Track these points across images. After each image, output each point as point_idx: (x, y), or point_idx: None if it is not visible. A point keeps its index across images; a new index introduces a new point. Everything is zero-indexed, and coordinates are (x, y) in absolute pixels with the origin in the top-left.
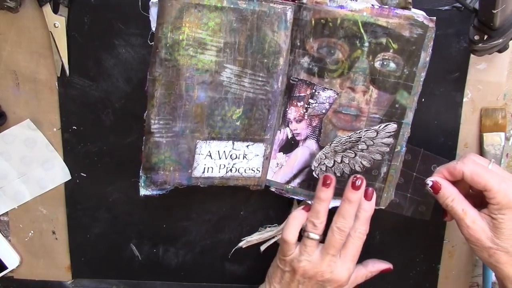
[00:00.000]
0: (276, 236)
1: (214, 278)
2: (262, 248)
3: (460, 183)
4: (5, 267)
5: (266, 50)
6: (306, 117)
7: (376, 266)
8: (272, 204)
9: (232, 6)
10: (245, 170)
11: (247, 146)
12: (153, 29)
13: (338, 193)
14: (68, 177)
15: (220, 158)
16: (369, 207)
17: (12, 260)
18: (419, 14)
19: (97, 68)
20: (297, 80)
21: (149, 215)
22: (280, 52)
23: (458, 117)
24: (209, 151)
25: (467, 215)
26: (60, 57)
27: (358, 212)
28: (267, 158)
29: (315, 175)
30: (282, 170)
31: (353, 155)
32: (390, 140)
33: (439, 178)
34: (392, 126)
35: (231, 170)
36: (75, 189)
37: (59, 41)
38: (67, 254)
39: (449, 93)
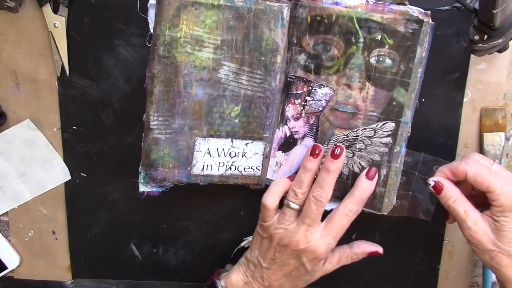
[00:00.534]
0: None
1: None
2: None
3: (462, 184)
4: (5, 267)
5: (263, 47)
6: (303, 115)
7: (362, 247)
8: None
9: (228, 4)
10: (244, 168)
11: (246, 144)
12: (152, 30)
13: (338, 196)
14: (68, 177)
15: (219, 156)
16: (367, 187)
17: (12, 260)
18: (414, 9)
19: (97, 68)
20: (294, 77)
21: (149, 215)
22: (277, 50)
23: (458, 117)
24: (208, 149)
25: (469, 216)
26: (60, 57)
27: (354, 189)
28: (266, 157)
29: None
30: (282, 169)
31: (351, 155)
32: (389, 139)
33: (441, 178)
34: (390, 125)
35: (230, 168)
36: (75, 189)
37: (59, 41)
38: (67, 254)
39: (449, 93)
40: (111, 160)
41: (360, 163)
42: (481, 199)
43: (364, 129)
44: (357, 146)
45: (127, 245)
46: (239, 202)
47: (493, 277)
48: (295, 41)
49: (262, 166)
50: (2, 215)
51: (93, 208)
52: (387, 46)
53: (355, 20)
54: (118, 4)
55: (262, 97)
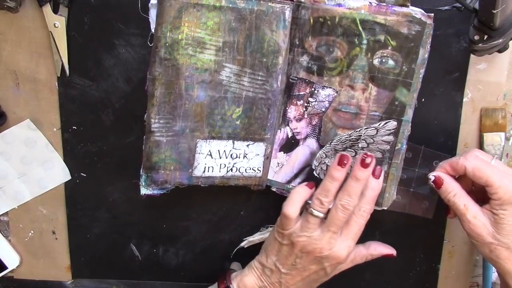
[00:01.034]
0: None
1: (214, 278)
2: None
3: (462, 179)
4: (5, 267)
5: (265, 49)
6: (306, 116)
7: (379, 249)
8: (272, 204)
9: (230, 5)
10: (245, 169)
11: (248, 145)
12: (153, 30)
13: None
14: (68, 177)
15: (220, 158)
16: (376, 186)
17: (12, 260)
18: (416, 11)
19: (97, 68)
20: (296, 78)
21: (149, 215)
22: (279, 51)
23: (458, 117)
24: (209, 151)
25: (468, 210)
26: (60, 57)
27: (365, 190)
28: (267, 158)
29: (315, 175)
30: (283, 170)
31: (353, 153)
32: (390, 137)
33: (441, 173)
34: (392, 124)
35: (231, 169)
36: (75, 189)
37: (59, 41)
38: (67, 254)
39: (449, 93)
40: (111, 160)
41: None
42: (481, 194)
43: (366, 128)
44: (360, 145)
45: (127, 245)
46: (239, 202)
47: (493, 277)
48: (297, 43)
49: (263, 167)
50: (2, 215)
51: (93, 208)
52: (390, 48)
53: (358, 22)
54: (118, 4)
55: (264, 98)
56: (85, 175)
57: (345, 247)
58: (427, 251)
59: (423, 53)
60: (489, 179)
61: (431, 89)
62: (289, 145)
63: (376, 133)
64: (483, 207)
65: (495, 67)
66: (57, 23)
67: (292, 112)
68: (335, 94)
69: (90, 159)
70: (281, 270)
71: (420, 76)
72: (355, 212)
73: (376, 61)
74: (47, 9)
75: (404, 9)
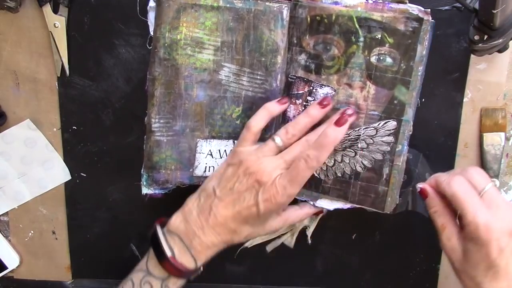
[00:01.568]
0: (281, 236)
1: (214, 278)
2: (269, 249)
3: None
4: (5, 267)
5: (264, 48)
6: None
7: (308, 210)
8: None
9: (228, 5)
10: None
11: None
12: (152, 33)
13: (340, 195)
14: (68, 177)
15: (221, 157)
16: (332, 134)
17: (12, 260)
18: (413, 7)
19: (97, 68)
20: (295, 77)
21: (149, 215)
22: (277, 51)
23: (458, 117)
24: (210, 150)
25: (445, 231)
26: (60, 57)
27: (319, 136)
28: None
29: (315, 175)
30: None
31: (353, 154)
32: (391, 138)
33: (428, 186)
34: (392, 124)
35: None
36: (75, 189)
37: (59, 41)
38: (67, 254)
39: (449, 93)
40: (111, 160)
41: (362, 162)
42: None
43: (366, 128)
44: (359, 145)
45: (127, 245)
46: None
47: None
48: (295, 41)
49: None
50: (2, 215)
51: (93, 208)
52: (387, 45)
53: (355, 19)
54: (118, 4)
55: (263, 97)
56: (85, 175)
57: (282, 185)
58: (427, 251)
59: (421, 50)
60: (463, 211)
61: (431, 89)
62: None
63: (376, 133)
64: (463, 230)
65: (495, 67)
66: (57, 23)
67: (291, 111)
68: (333, 92)
69: (90, 159)
70: (217, 193)
71: (419, 74)
72: (298, 155)
73: (373, 59)
74: (47, 9)
75: (401, 6)
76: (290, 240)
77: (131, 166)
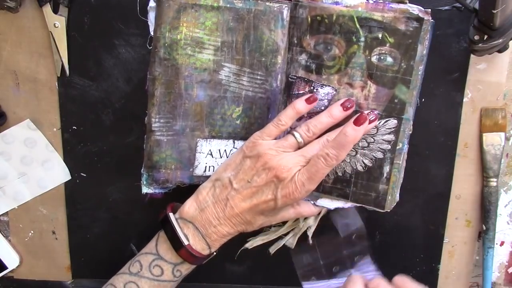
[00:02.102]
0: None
1: (214, 278)
2: (272, 250)
3: None
4: (5, 267)
5: (264, 48)
6: (305, 115)
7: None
8: None
9: (228, 5)
10: None
11: None
12: (152, 33)
13: (341, 194)
14: (68, 177)
15: (221, 157)
16: (351, 133)
17: (12, 260)
18: (414, 7)
19: (97, 68)
20: (295, 77)
21: (149, 215)
22: (278, 51)
23: (458, 117)
24: (210, 150)
25: None
26: (60, 57)
27: (337, 134)
28: None
29: None
30: None
31: (354, 153)
32: (391, 136)
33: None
34: (392, 122)
35: None
36: (75, 189)
37: (59, 41)
38: (67, 254)
39: (449, 93)
40: (111, 160)
41: (363, 161)
42: None
43: None
44: (360, 144)
45: (127, 245)
46: None
47: (493, 277)
48: (295, 42)
49: None
50: (2, 215)
51: (93, 208)
52: (388, 45)
53: (355, 19)
54: (118, 4)
55: (263, 97)
56: (85, 175)
57: (302, 181)
58: (427, 251)
59: (422, 49)
60: None
61: (431, 89)
62: None
63: (376, 132)
64: None
65: (495, 67)
66: (57, 23)
67: None
68: (334, 92)
69: (90, 159)
70: (234, 186)
71: (419, 73)
72: (317, 152)
73: (374, 58)
74: (47, 9)
75: (401, 6)
76: (292, 241)
77: (131, 166)
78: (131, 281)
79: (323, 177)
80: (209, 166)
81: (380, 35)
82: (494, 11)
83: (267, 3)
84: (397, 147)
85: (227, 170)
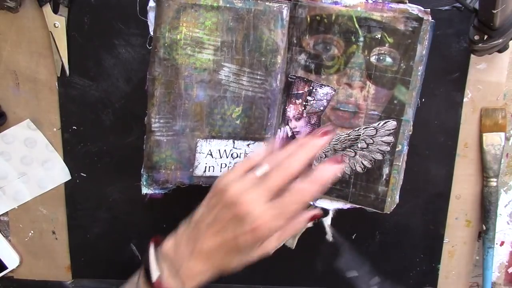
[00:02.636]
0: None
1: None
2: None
3: None
4: (5, 267)
5: (264, 48)
6: (305, 115)
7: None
8: None
9: (228, 5)
10: None
11: (248, 145)
12: (152, 33)
13: (340, 195)
14: (68, 177)
15: (221, 157)
16: (328, 170)
17: (12, 260)
18: (413, 7)
19: (97, 68)
20: (295, 77)
21: (149, 215)
22: (277, 50)
23: (458, 117)
24: (210, 150)
25: None
26: (60, 57)
27: (315, 170)
28: None
29: None
30: None
31: (353, 154)
32: (390, 138)
33: None
34: (392, 124)
35: None
36: (75, 189)
37: (59, 41)
38: (67, 254)
39: (449, 93)
40: (111, 160)
41: (362, 163)
42: None
43: (365, 128)
44: (359, 145)
45: (127, 245)
46: None
47: (493, 277)
48: (295, 41)
49: None
50: (2, 215)
51: (93, 208)
52: (387, 45)
53: (354, 19)
54: (118, 4)
55: (263, 97)
56: (85, 175)
57: (268, 217)
58: (427, 251)
59: (421, 49)
60: None
61: (431, 89)
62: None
63: (376, 133)
64: None
65: (495, 67)
66: (57, 23)
67: (291, 111)
68: (333, 92)
69: (90, 159)
70: (202, 223)
71: (419, 73)
72: (291, 186)
73: (373, 59)
74: (47, 9)
75: (401, 6)
76: (291, 242)
77: (131, 166)
78: None
79: (293, 214)
80: (209, 166)
81: (379, 35)
82: (494, 11)
83: (266, 3)
84: (397, 149)
85: (201, 206)
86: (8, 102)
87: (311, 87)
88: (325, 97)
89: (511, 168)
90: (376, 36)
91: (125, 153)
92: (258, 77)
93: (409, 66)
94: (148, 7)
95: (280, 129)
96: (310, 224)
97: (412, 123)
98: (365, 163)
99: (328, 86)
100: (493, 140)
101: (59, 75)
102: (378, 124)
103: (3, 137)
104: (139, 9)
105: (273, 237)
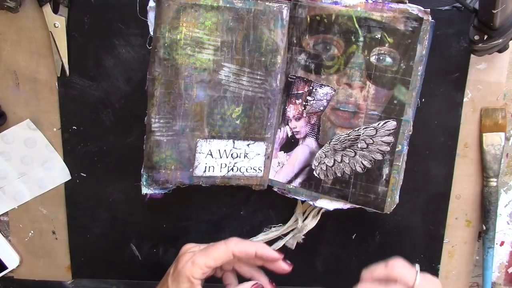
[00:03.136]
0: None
1: (214, 278)
2: None
3: None
4: (5, 267)
5: (264, 48)
6: (304, 115)
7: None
8: (272, 204)
9: (228, 5)
10: (246, 169)
11: (248, 145)
12: (152, 33)
13: (340, 195)
14: (68, 177)
15: (221, 157)
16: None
17: (12, 260)
18: (413, 7)
19: (97, 68)
20: (295, 77)
21: (149, 215)
22: (277, 50)
23: (458, 117)
24: (210, 150)
25: None
26: (60, 57)
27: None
28: (268, 157)
29: (315, 174)
30: (284, 169)
31: (353, 154)
32: (390, 138)
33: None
34: (392, 124)
35: (232, 169)
36: (75, 189)
37: (59, 41)
38: (67, 254)
39: (449, 93)
40: (111, 160)
41: (362, 162)
42: None
43: (365, 128)
44: (359, 145)
45: (127, 245)
46: (239, 202)
47: (493, 277)
48: (295, 41)
49: (264, 166)
50: (2, 215)
51: (93, 208)
52: (387, 45)
53: (354, 19)
54: (118, 4)
55: (263, 97)
56: (85, 175)
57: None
58: (427, 251)
59: (421, 49)
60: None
61: (431, 89)
62: (289, 144)
63: (376, 133)
64: None
65: (495, 67)
66: (57, 23)
67: (291, 111)
68: (333, 92)
69: (90, 159)
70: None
71: (419, 73)
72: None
73: (373, 59)
74: (47, 9)
75: (401, 6)
76: (292, 242)
77: (131, 166)
78: None
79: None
80: (209, 167)
81: (379, 35)
82: (494, 11)
83: (266, 3)
84: (396, 149)
85: (165, 274)
86: (8, 102)
87: (311, 87)
88: (325, 97)
89: (511, 168)
90: (376, 36)
91: (125, 153)
92: (258, 77)
93: (409, 66)
94: (148, 7)
95: (280, 129)
96: (312, 225)
97: (412, 123)
98: (365, 163)
99: (328, 86)
100: (493, 140)
101: (59, 75)
102: (378, 124)
103: (3, 137)
104: (139, 9)
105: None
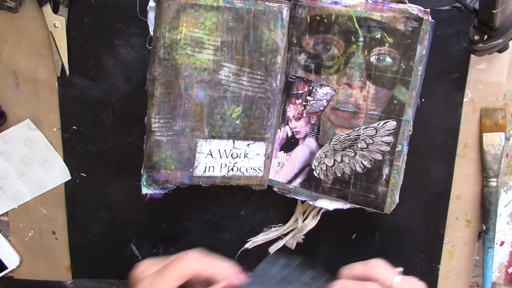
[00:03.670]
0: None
1: None
2: (272, 250)
3: None
4: (5, 267)
5: (264, 48)
6: (304, 115)
7: None
8: (272, 204)
9: (228, 5)
10: (246, 169)
11: (248, 145)
12: (152, 33)
13: (340, 195)
14: (68, 177)
15: (221, 157)
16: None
17: (12, 260)
18: (413, 7)
19: (97, 68)
20: (294, 77)
21: (149, 215)
22: (277, 50)
23: (458, 117)
24: (210, 150)
25: None
26: (60, 57)
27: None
28: (268, 157)
29: (315, 175)
30: (284, 169)
31: (353, 154)
32: (390, 138)
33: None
34: (392, 124)
35: (232, 169)
36: (75, 189)
37: (59, 41)
38: (67, 254)
39: (449, 93)
40: (111, 160)
41: (362, 163)
42: None
43: (365, 128)
44: (359, 145)
45: (127, 245)
46: (239, 202)
47: (493, 277)
48: (295, 41)
49: (264, 166)
50: (2, 215)
51: (93, 208)
52: (387, 45)
53: (354, 19)
54: (118, 4)
55: (263, 97)
56: (85, 175)
57: None
58: (427, 251)
59: (421, 49)
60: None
61: (431, 89)
62: (289, 144)
63: (376, 133)
64: None
65: (495, 67)
66: (57, 23)
67: (291, 111)
68: (333, 92)
69: (90, 159)
70: None
71: (419, 73)
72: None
73: (373, 59)
74: (47, 9)
75: (401, 6)
76: (292, 242)
77: (131, 166)
78: None
79: None
80: (209, 167)
81: (379, 35)
82: (494, 11)
83: (266, 3)
84: (396, 149)
85: None
86: (8, 102)
87: (311, 87)
88: (325, 97)
89: (511, 168)
90: (376, 36)
91: (125, 153)
92: (258, 77)
93: (409, 66)
94: (148, 7)
95: (280, 129)
96: (312, 225)
97: (412, 123)
98: (365, 163)
99: (328, 86)
100: (493, 140)
101: (59, 75)
102: (378, 124)
103: (3, 137)
104: (139, 9)
105: None
